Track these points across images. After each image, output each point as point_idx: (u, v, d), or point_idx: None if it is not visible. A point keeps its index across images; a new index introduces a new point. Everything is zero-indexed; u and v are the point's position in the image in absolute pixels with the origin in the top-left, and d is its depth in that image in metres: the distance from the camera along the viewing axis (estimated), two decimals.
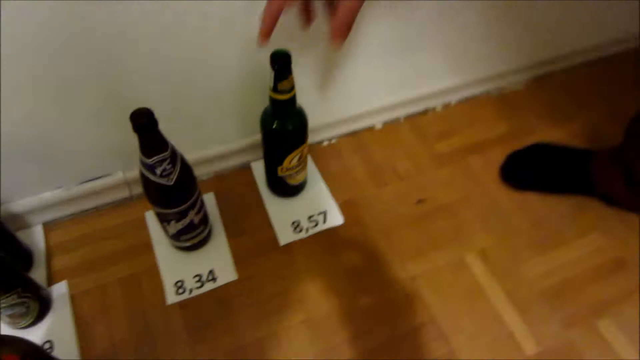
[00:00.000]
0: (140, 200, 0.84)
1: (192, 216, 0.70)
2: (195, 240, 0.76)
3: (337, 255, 0.80)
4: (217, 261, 0.78)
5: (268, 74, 0.62)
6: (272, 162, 0.77)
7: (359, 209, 0.86)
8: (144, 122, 0.55)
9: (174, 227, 0.71)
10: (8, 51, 0.56)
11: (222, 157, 0.86)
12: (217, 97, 0.76)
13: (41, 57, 0.58)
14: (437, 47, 0.90)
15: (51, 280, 0.75)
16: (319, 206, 0.85)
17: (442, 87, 1.00)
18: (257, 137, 0.76)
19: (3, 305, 0.62)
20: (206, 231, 0.77)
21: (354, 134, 0.98)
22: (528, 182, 0.90)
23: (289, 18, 0.50)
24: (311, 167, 0.90)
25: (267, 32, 0.49)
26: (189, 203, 0.68)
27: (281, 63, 0.60)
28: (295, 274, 0.78)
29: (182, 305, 0.74)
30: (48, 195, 0.77)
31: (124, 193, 0.83)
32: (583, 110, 1.04)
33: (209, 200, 0.84)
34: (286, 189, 0.84)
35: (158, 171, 0.60)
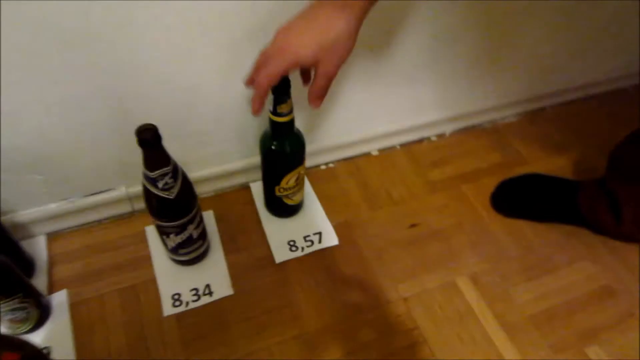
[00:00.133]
0: (141, 215, 0.87)
1: (191, 230, 0.73)
2: (193, 255, 0.78)
3: (331, 274, 0.82)
4: (214, 276, 0.80)
5: (268, 98, 0.66)
6: (270, 182, 0.80)
7: (353, 231, 0.88)
8: (148, 137, 0.58)
9: (173, 240, 0.73)
10: (21, 69, 0.60)
11: (222, 176, 0.90)
12: (218, 120, 0.80)
13: (52, 76, 0.62)
14: (432, 80, 0.94)
15: (52, 289, 0.77)
16: (314, 227, 0.88)
17: (437, 118, 1.04)
18: (257, 158, 0.80)
19: (4, 309, 0.64)
20: (204, 246, 0.80)
21: (350, 159, 1.01)
22: (518, 210, 0.93)
23: None
24: (308, 189, 0.93)
25: (257, 111, 0.59)
26: (188, 217, 0.70)
27: (280, 88, 0.63)
28: (290, 291, 0.80)
29: (178, 317, 0.75)
30: (53, 207, 0.80)
31: (125, 208, 0.86)
32: (574, 144, 1.08)
33: (208, 217, 0.87)
34: (283, 209, 0.86)
35: (160, 184, 0.63)
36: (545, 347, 0.76)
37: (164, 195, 0.65)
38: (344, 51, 0.54)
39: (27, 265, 0.77)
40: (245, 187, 0.93)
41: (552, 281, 0.84)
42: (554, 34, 0.97)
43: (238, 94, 0.76)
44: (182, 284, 0.78)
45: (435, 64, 0.90)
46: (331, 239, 0.86)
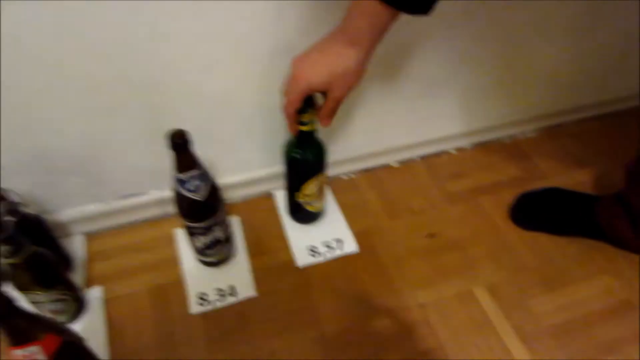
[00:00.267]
0: (170, 218, 0.92)
1: (217, 232, 0.77)
2: (219, 257, 0.82)
3: (350, 279, 0.85)
4: (239, 278, 0.83)
5: None
6: (292, 188, 0.84)
7: (372, 239, 0.91)
8: (179, 141, 0.63)
9: (201, 241, 0.77)
10: (67, 80, 0.66)
11: (248, 183, 0.94)
12: (246, 129, 0.85)
13: (95, 86, 0.68)
14: (452, 94, 0.97)
15: (88, 285, 0.82)
16: (335, 234, 0.91)
17: (457, 131, 1.07)
18: (281, 167, 0.84)
19: (45, 299, 0.69)
20: (229, 249, 0.84)
21: (371, 170, 1.04)
22: (537, 223, 0.94)
23: None
24: (330, 198, 0.97)
25: (293, 132, 0.70)
26: (214, 219, 0.75)
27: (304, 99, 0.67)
28: (310, 295, 0.83)
29: (203, 315, 0.79)
30: (91, 208, 0.85)
31: (157, 211, 0.91)
32: (593, 160, 1.09)
33: (234, 222, 0.91)
34: (304, 215, 0.90)
35: (189, 186, 0.68)
36: (562, 357, 0.77)
37: (192, 197, 0.69)
38: (353, 80, 0.59)
39: (66, 261, 0.82)
40: (270, 195, 0.97)
41: (571, 293, 0.84)
42: (572, 52, 0.99)
43: (264, 105, 0.80)
44: (208, 285, 0.82)
45: (454, 79, 0.93)
46: (351, 246, 0.89)
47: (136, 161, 0.82)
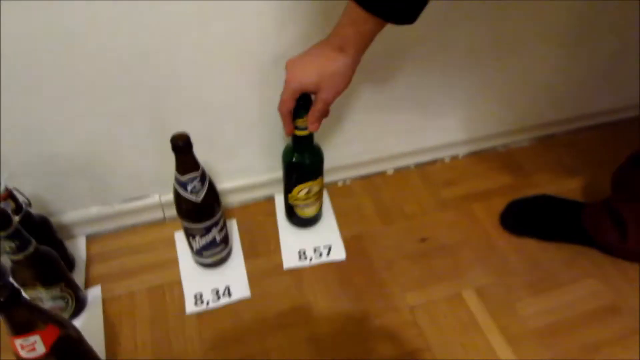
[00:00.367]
0: (171, 222, 0.95)
1: (215, 234, 0.80)
2: (216, 258, 0.85)
3: (343, 282, 0.87)
4: (234, 279, 0.86)
5: None
6: (285, 190, 0.87)
7: (366, 242, 0.94)
8: (181, 143, 0.67)
9: (199, 242, 0.80)
10: (77, 86, 0.70)
11: (247, 188, 0.97)
12: (246, 135, 0.88)
13: (103, 92, 0.72)
14: (447, 104, 1.00)
15: (87, 285, 0.85)
16: (325, 240, 0.93)
17: (451, 140, 1.10)
18: (279, 173, 0.87)
19: (46, 296, 0.72)
20: (226, 251, 0.86)
21: (367, 177, 1.07)
22: (526, 229, 0.96)
23: None
24: (326, 203, 0.99)
25: (287, 133, 0.73)
26: (212, 220, 0.78)
27: (298, 104, 0.70)
28: (302, 296, 0.85)
29: (199, 315, 0.82)
30: (94, 210, 0.89)
31: (158, 214, 0.94)
32: (584, 169, 1.11)
33: (232, 225, 0.94)
34: (296, 218, 0.93)
35: (189, 187, 0.71)
36: (547, 358, 0.78)
37: (192, 199, 0.72)
38: (341, 82, 0.63)
39: (68, 262, 0.85)
40: (268, 200, 1.01)
41: (557, 296, 0.86)
42: (566, 63, 1.02)
43: (264, 112, 0.84)
44: (204, 285, 0.85)
45: (449, 88, 0.97)
46: (339, 253, 0.91)
47: (139, 165, 0.85)
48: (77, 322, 0.79)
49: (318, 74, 0.62)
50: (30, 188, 0.77)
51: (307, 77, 0.63)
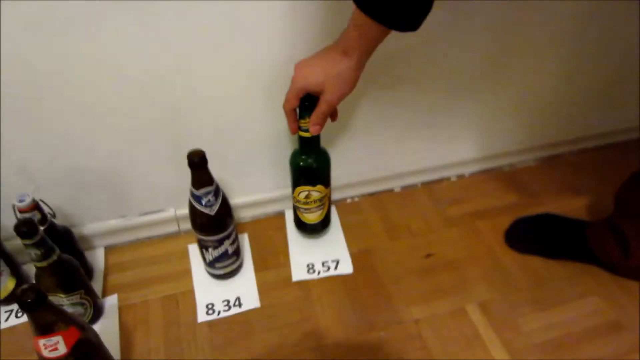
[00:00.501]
0: (185, 235, 0.99)
1: (227, 246, 0.84)
2: (228, 270, 0.89)
3: (350, 295, 0.90)
4: (244, 290, 0.89)
5: None
6: (292, 190, 0.90)
7: (373, 257, 0.97)
8: (196, 159, 0.71)
9: (211, 254, 0.84)
10: (98, 104, 0.75)
11: (258, 203, 1.01)
12: (257, 152, 0.92)
13: (123, 110, 0.77)
14: (452, 123, 1.04)
15: (104, 294, 0.89)
16: (334, 254, 0.96)
17: (458, 159, 1.13)
18: (289, 190, 0.91)
19: (67, 302, 0.76)
20: (237, 262, 0.90)
21: (375, 194, 1.11)
22: (531, 247, 0.98)
23: None
24: (334, 218, 1.03)
25: (292, 131, 0.76)
26: (225, 233, 0.82)
27: (303, 105, 0.72)
28: (310, 308, 0.88)
29: (210, 324, 0.85)
30: (113, 223, 0.93)
31: (173, 227, 0.98)
32: (590, 189, 1.12)
33: (243, 239, 0.98)
34: (300, 223, 0.96)
35: (204, 201, 0.75)
36: None
37: (206, 212, 0.77)
38: (346, 84, 0.66)
39: (87, 271, 0.89)
40: (279, 215, 1.04)
41: (560, 313, 0.88)
42: (572, 84, 1.05)
43: (275, 130, 0.88)
44: (216, 295, 0.88)
45: (455, 107, 1.00)
46: (347, 268, 0.94)
47: (156, 180, 0.90)
48: (95, 328, 0.81)
49: (324, 74, 0.66)
50: (55, 200, 0.82)
51: (312, 77, 0.67)
